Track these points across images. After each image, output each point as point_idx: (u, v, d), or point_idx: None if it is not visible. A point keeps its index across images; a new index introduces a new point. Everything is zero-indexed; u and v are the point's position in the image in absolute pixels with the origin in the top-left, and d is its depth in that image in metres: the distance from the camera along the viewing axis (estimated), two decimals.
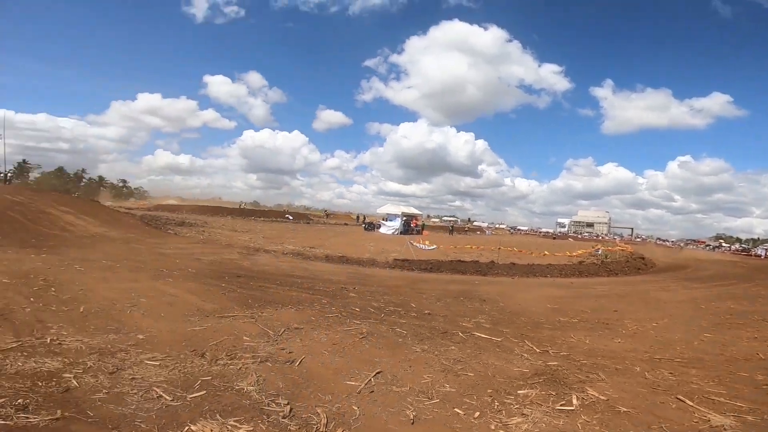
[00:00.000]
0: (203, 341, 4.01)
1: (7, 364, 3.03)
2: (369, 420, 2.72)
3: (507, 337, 5.17)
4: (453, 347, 4.54)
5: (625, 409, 3.16)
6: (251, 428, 2.44)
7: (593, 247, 24.74)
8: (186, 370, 3.24)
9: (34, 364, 3.08)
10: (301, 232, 28.28)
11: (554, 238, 56.10)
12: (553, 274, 13.54)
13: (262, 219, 46.94)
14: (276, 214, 57.55)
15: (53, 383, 2.81)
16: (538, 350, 4.67)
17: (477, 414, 2.95)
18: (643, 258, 21.41)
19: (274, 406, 2.77)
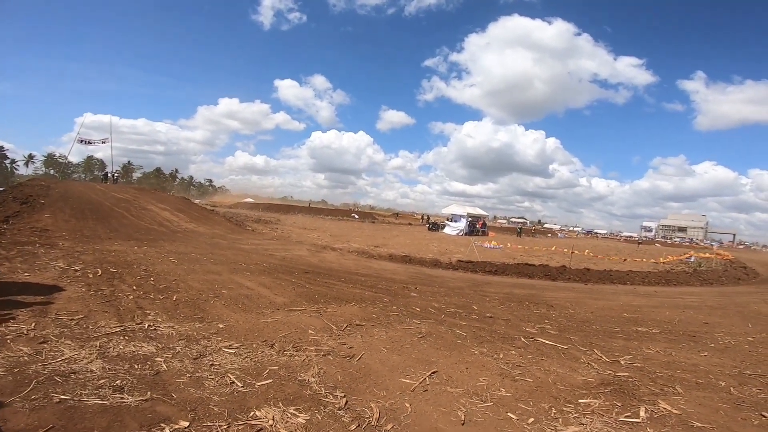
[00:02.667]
0: (273, 332, 4.36)
1: (110, 348, 3.50)
2: (419, 418, 2.80)
3: (574, 344, 4.94)
4: (513, 352, 4.45)
5: (700, 425, 2.95)
6: (308, 417, 2.63)
7: (685, 254, 22.22)
8: (257, 359, 3.56)
9: (132, 348, 3.54)
10: (366, 231, 29.00)
11: (639, 244, 51.40)
12: (634, 282, 12.45)
13: (330, 217, 48.92)
14: (343, 213, 59.64)
15: (147, 366, 3.18)
16: (607, 360, 4.43)
17: (531, 420, 2.90)
18: (745, 267, 18.85)
19: (332, 397, 2.95)
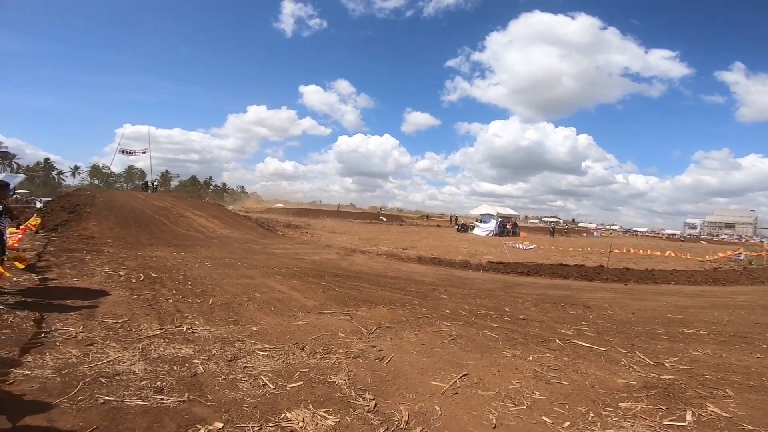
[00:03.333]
0: (304, 335, 4.43)
1: (151, 350, 3.66)
2: (449, 421, 2.76)
3: (613, 347, 4.75)
4: (548, 354, 4.32)
5: (752, 428, 2.79)
6: (338, 419, 2.65)
7: (734, 251, 20.87)
8: (288, 361, 3.62)
9: (172, 350, 3.68)
10: (395, 234, 29.00)
11: (682, 241, 48.85)
12: (679, 281, 11.80)
13: (358, 220, 49.29)
14: (371, 216, 59.96)
15: (185, 368, 3.28)
16: (651, 362, 4.23)
17: (566, 424, 2.80)
18: None
19: (361, 400, 2.96)
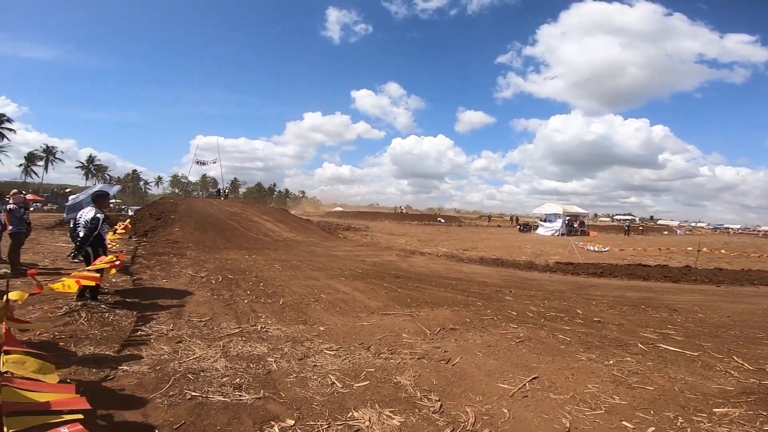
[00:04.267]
0: (369, 335, 4.54)
1: (231, 347, 3.95)
2: (518, 424, 2.68)
3: (706, 351, 4.37)
4: (629, 358, 4.06)
5: None
6: (403, 419, 2.68)
7: None
8: (354, 361, 3.74)
9: (249, 348, 3.95)
10: (454, 235, 28.58)
11: None
12: None
13: (416, 222, 49.21)
14: (428, 218, 59.60)
15: (260, 366, 3.48)
16: (750, 368, 3.84)
17: (651, 429, 2.62)
18: None
19: (426, 401, 2.97)
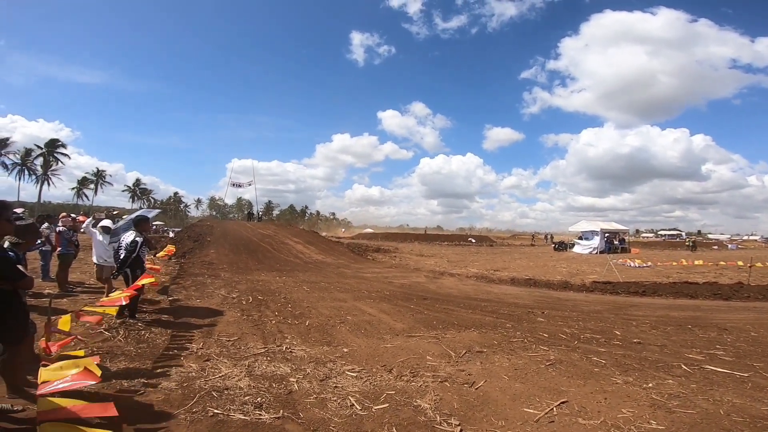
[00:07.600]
0: (392, 357, 4.48)
1: (255, 367, 4.01)
2: None
3: (758, 372, 4.07)
4: (670, 380, 3.81)
5: None
6: None
7: None
8: (375, 383, 3.69)
9: (273, 368, 4.00)
10: (485, 255, 27.98)
11: None
12: None
13: (446, 243, 48.59)
14: (458, 238, 58.84)
15: (282, 386, 3.51)
16: None
17: None
18: None
19: (446, 425, 2.88)
